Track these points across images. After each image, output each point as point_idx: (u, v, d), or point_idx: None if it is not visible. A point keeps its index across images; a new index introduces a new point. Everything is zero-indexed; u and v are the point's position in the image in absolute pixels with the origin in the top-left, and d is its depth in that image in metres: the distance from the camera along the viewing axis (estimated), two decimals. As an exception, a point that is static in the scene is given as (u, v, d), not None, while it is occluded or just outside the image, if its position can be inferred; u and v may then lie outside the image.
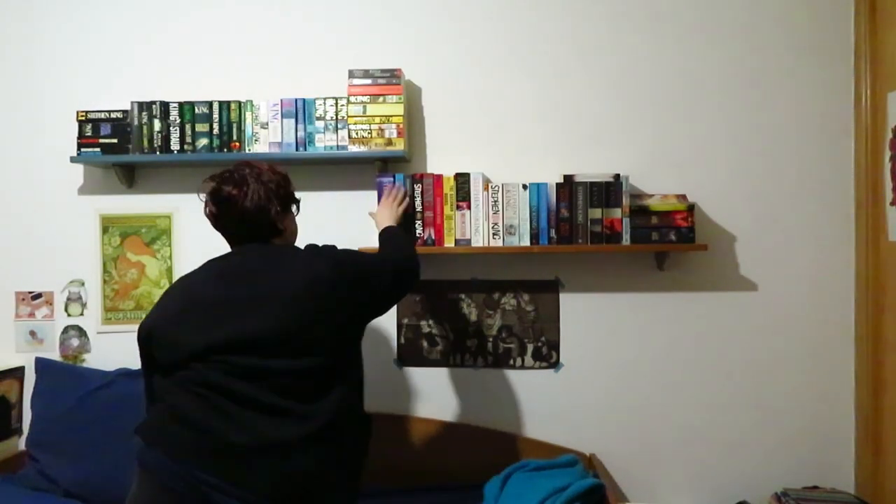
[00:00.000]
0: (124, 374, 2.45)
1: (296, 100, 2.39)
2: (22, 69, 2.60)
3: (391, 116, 2.35)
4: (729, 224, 2.47)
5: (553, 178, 2.41)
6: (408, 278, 1.93)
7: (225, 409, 1.54)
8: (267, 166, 1.82)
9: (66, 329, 2.60)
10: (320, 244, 1.84)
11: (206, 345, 1.59)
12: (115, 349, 2.55)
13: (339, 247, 2.50)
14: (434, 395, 2.53)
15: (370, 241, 2.44)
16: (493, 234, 2.34)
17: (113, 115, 2.43)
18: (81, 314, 2.60)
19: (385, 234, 2.10)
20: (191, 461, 1.50)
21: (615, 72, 2.48)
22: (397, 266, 1.90)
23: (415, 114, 2.52)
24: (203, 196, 1.80)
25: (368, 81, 2.36)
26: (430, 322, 2.54)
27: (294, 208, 1.87)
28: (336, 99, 2.38)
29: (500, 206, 2.34)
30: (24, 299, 2.60)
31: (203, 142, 2.41)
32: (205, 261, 1.81)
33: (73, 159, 2.43)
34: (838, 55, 2.44)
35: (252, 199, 1.74)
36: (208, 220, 1.81)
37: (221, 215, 1.79)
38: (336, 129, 2.38)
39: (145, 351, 1.71)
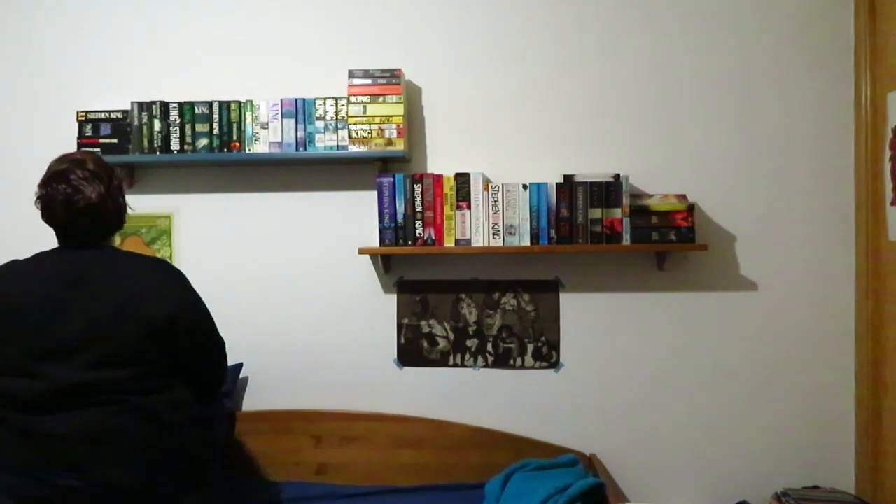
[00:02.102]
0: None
1: (296, 100, 2.39)
2: (22, 69, 2.60)
3: (391, 116, 2.35)
4: (729, 224, 2.47)
5: (553, 178, 2.42)
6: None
7: None
8: (91, 158, 1.77)
9: (67, 329, 2.59)
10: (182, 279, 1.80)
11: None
12: (116, 349, 2.55)
13: (337, 247, 2.52)
14: (434, 395, 2.53)
15: (370, 241, 2.44)
16: (493, 234, 2.34)
17: (113, 115, 2.44)
18: (81, 314, 2.59)
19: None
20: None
21: (615, 72, 2.48)
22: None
23: (415, 114, 2.52)
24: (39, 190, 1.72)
25: (368, 81, 2.36)
26: (430, 322, 2.54)
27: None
28: (336, 99, 2.38)
29: (500, 206, 2.34)
30: (24, 299, 2.59)
31: (203, 142, 2.41)
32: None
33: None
34: (838, 55, 2.44)
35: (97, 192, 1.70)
36: (42, 209, 1.72)
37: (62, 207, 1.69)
38: (336, 129, 2.38)
39: None
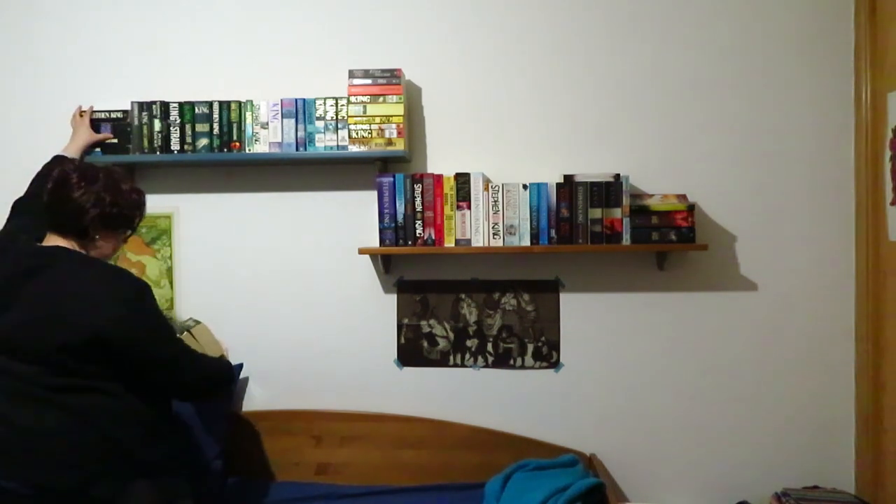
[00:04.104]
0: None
1: (296, 100, 2.39)
2: (22, 69, 2.60)
3: (391, 116, 2.34)
4: (729, 224, 2.47)
5: (553, 178, 2.42)
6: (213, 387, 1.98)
7: None
8: (129, 186, 1.84)
9: (66, 329, 2.59)
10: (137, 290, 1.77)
11: None
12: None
13: (337, 247, 2.52)
14: (434, 395, 2.53)
15: (370, 241, 2.44)
16: (494, 234, 2.34)
17: (113, 115, 2.44)
18: (81, 314, 2.59)
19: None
20: None
21: (615, 71, 2.48)
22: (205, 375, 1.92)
23: (415, 114, 2.52)
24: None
25: (368, 81, 2.35)
26: (430, 322, 2.54)
27: (122, 233, 1.86)
28: (336, 99, 2.38)
29: (501, 206, 2.34)
30: (24, 299, 2.59)
31: (203, 142, 2.41)
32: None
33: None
34: (838, 55, 2.44)
35: (83, 196, 1.73)
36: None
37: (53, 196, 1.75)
38: (336, 129, 2.38)
39: None
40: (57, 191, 1.74)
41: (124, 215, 1.82)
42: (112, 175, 1.81)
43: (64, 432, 1.60)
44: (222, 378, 2.03)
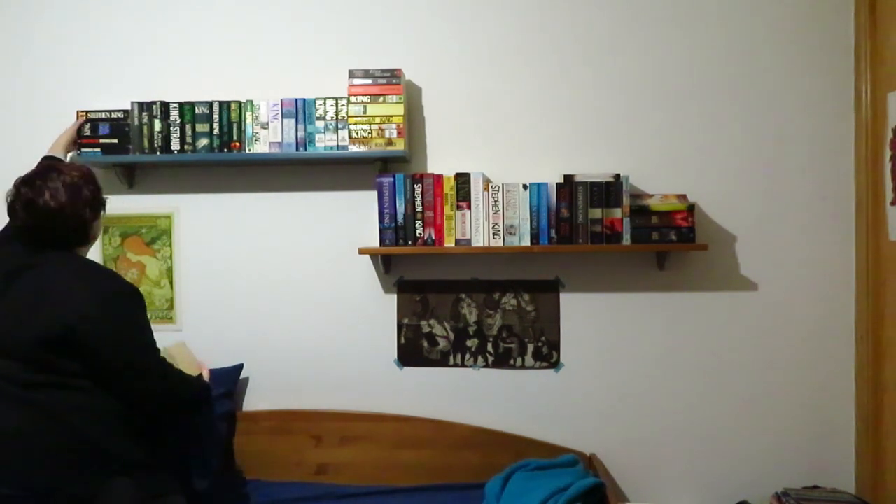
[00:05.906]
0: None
1: (296, 100, 2.39)
2: (22, 69, 2.60)
3: (391, 116, 2.34)
4: (729, 224, 2.47)
5: (553, 178, 2.42)
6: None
7: None
8: (68, 168, 1.79)
9: (67, 329, 2.59)
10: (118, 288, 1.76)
11: None
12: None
13: (337, 247, 2.52)
14: (434, 395, 2.53)
15: (370, 241, 2.44)
16: (494, 234, 2.34)
17: (113, 115, 2.44)
18: (81, 314, 2.59)
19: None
20: None
21: (616, 72, 2.48)
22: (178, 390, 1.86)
23: (415, 114, 2.52)
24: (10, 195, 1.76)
25: (368, 81, 2.35)
26: (430, 322, 2.54)
27: (103, 211, 1.85)
28: (336, 99, 2.38)
29: (501, 206, 2.34)
30: (24, 299, 2.59)
31: (203, 142, 2.41)
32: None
33: (73, 159, 2.43)
34: (838, 55, 2.44)
35: (58, 199, 1.70)
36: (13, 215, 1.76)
37: (27, 217, 1.72)
38: (336, 129, 2.38)
39: None
40: (35, 212, 1.70)
41: (96, 195, 1.81)
42: (55, 170, 1.77)
43: (37, 432, 1.59)
44: (191, 398, 1.92)
